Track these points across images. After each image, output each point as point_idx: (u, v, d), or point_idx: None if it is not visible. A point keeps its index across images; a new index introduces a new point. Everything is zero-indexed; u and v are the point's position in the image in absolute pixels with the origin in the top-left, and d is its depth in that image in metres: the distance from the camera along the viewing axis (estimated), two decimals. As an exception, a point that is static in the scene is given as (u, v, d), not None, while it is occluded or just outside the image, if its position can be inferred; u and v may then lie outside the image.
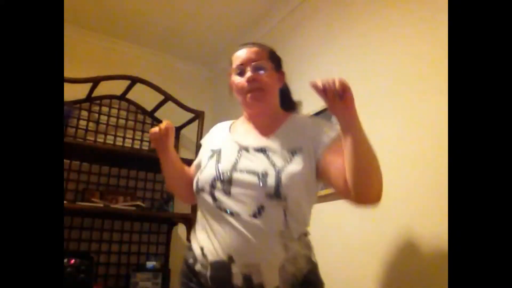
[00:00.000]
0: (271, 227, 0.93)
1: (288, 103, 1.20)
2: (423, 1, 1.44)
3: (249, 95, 1.06)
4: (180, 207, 2.46)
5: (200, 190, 1.03)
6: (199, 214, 1.07)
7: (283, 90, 1.18)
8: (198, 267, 0.99)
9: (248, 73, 1.06)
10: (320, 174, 1.01)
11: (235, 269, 0.90)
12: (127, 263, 2.33)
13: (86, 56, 2.58)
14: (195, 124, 2.52)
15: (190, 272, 1.02)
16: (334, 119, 1.01)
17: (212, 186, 0.99)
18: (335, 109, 0.90)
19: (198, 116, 2.49)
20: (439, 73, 1.30)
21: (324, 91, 0.87)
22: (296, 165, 0.97)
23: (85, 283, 1.87)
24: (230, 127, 1.18)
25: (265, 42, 1.29)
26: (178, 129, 2.71)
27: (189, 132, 2.68)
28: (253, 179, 0.96)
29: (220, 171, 1.01)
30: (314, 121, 1.12)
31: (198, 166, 1.15)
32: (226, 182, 0.98)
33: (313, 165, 1.00)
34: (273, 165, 0.98)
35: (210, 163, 1.06)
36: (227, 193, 0.97)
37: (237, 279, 0.90)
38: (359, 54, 1.69)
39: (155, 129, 1.15)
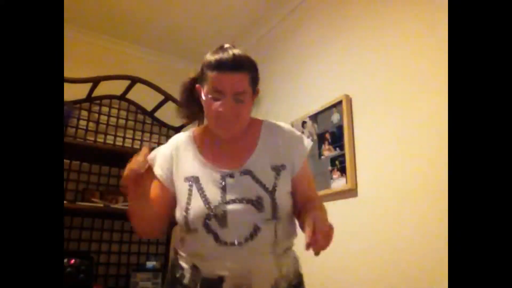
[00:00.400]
0: (263, 247, 0.93)
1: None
2: (423, 1, 1.44)
3: (222, 124, 0.98)
4: (180, 207, 2.46)
5: (193, 230, 0.95)
6: (186, 239, 0.99)
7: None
8: (186, 280, 0.97)
9: (227, 104, 0.95)
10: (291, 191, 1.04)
11: (226, 286, 0.91)
12: (127, 263, 2.33)
13: (86, 56, 2.59)
14: (194, 124, 2.51)
15: (178, 284, 0.99)
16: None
17: (206, 225, 0.93)
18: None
19: (198, 116, 2.49)
20: (439, 72, 1.30)
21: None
22: (284, 185, 0.98)
23: (85, 283, 1.87)
24: (195, 143, 1.06)
25: (265, 42, 1.28)
26: (178, 129, 2.72)
27: (189, 132, 2.68)
28: (249, 207, 0.94)
29: (211, 206, 0.94)
30: (288, 135, 1.07)
31: (170, 182, 1.03)
32: (221, 217, 0.93)
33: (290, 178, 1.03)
34: (264, 187, 0.96)
35: (194, 199, 0.96)
36: (223, 226, 0.92)
37: None
38: (358, 54, 1.69)
39: (135, 166, 1.00)
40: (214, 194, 0.96)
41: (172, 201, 1.02)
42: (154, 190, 1.04)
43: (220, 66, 0.94)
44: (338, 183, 1.60)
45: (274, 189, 0.96)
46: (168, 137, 2.70)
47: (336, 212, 1.62)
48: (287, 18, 2.29)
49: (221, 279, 0.91)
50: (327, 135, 1.72)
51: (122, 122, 2.57)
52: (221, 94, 0.95)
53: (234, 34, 2.61)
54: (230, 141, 1.03)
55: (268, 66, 2.33)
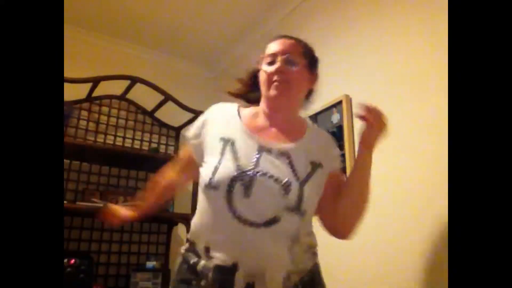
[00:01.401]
0: (281, 239, 0.88)
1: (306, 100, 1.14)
2: (423, 1, 1.44)
3: (273, 85, 0.98)
4: (180, 207, 2.46)
5: (213, 188, 0.91)
6: (203, 210, 0.96)
7: (309, 92, 1.11)
8: (200, 267, 0.92)
9: (278, 64, 0.99)
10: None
11: (239, 277, 0.86)
12: (127, 263, 2.33)
13: (86, 56, 2.58)
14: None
15: (191, 273, 0.94)
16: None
17: (230, 186, 0.89)
18: (369, 137, 0.99)
19: (198, 116, 2.49)
20: (439, 73, 1.30)
21: (371, 116, 0.93)
22: (316, 182, 0.95)
23: (85, 283, 1.87)
24: (239, 114, 1.05)
25: (265, 42, 1.29)
26: (178, 129, 2.72)
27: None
28: (276, 186, 0.89)
29: (241, 169, 0.90)
30: (331, 142, 1.10)
31: (199, 150, 1.03)
32: (247, 183, 0.89)
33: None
34: (296, 175, 0.92)
35: (225, 159, 0.93)
36: (246, 195, 0.88)
37: (239, 286, 0.86)
38: (359, 54, 1.69)
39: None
40: (246, 161, 0.92)
41: (192, 175, 1.10)
42: (183, 156, 1.16)
43: (276, 38, 1.07)
44: (338, 183, 1.60)
45: (305, 181, 0.93)
46: (168, 137, 2.70)
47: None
48: (287, 18, 2.28)
49: (235, 266, 0.86)
50: (327, 135, 1.72)
51: (122, 122, 2.57)
52: (273, 58, 1.01)
53: (234, 34, 2.61)
54: (276, 123, 1.02)
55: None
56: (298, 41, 1.07)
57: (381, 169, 1.46)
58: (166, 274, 2.16)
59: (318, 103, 1.83)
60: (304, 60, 1.03)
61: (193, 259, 0.95)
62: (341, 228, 1.00)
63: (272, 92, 0.99)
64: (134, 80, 2.36)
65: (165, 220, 2.46)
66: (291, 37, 1.07)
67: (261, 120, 1.03)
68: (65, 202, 2.02)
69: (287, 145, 0.97)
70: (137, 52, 2.80)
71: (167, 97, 2.44)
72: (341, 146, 1.63)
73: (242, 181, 0.89)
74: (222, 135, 0.99)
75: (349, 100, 1.67)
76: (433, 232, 1.21)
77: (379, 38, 1.60)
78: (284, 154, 0.95)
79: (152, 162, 2.39)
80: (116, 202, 2.27)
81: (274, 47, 1.03)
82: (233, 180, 0.90)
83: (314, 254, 1.00)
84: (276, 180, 0.90)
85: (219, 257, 0.89)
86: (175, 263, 1.03)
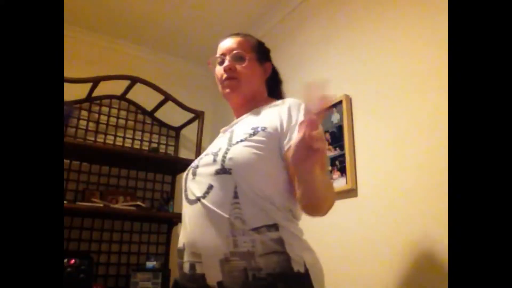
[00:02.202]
0: (216, 212, 0.84)
1: (278, 94, 1.17)
2: (423, 1, 1.44)
3: (224, 83, 1.06)
4: (180, 207, 2.46)
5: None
6: None
7: (272, 81, 1.15)
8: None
9: (226, 62, 1.05)
10: (288, 167, 0.90)
11: (185, 257, 0.90)
12: (127, 263, 2.33)
13: (86, 56, 2.59)
14: (195, 124, 2.52)
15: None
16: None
17: (187, 175, 1.00)
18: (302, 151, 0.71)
19: (198, 116, 2.49)
20: (440, 73, 1.30)
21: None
22: (254, 140, 0.90)
23: (85, 283, 1.87)
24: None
25: (265, 42, 1.29)
26: (178, 129, 2.72)
27: (189, 132, 2.68)
28: (210, 157, 0.94)
29: (198, 159, 1.02)
30: (287, 103, 0.98)
31: None
32: (194, 167, 0.98)
33: (276, 149, 0.91)
34: (229, 142, 0.93)
35: None
36: (193, 176, 0.96)
37: (186, 267, 0.89)
38: (359, 54, 1.69)
39: None
40: (207, 152, 1.02)
41: None
42: None
43: (223, 38, 1.12)
44: (338, 183, 1.60)
45: (236, 142, 0.91)
46: (168, 137, 2.70)
47: (336, 212, 1.62)
48: (287, 18, 2.28)
49: (183, 246, 0.91)
50: (327, 135, 1.72)
51: (122, 122, 2.57)
52: (223, 57, 1.07)
53: (234, 34, 2.61)
54: (240, 110, 1.08)
55: (268, 66, 2.33)
56: (245, 37, 1.12)
57: (381, 169, 1.46)
58: (166, 274, 2.16)
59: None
60: (252, 54, 1.07)
61: None
62: (313, 212, 0.88)
63: (225, 90, 1.06)
64: (134, 80, 2.36)
65: (165, 220, 2.46)
66: (238, 34, 1.11)
67: (235, 117, 1.11)
68: (65, 202, 2.02)
69: (236, 123, 1.05)
70: (137, 52, 2.80)
71: (167, 97, 2.44)
72: (341, 146, 1.63)
73: (193, 167, 0.99)
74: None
75: (349, 100, 1.67)
76: (434, 232, 1.21)
77: (379, 38, 1.60)
78: (230, 131, 1.01)
79: (152, 162, 2.40)
80: (116, 202, 2.27)
81: (222, 46, 1.10)
82: (188, 169, 1.01)
83: (279, 243, 0.82)
84: (212, 153, 0.95)
85: (180, 240, 0.95)
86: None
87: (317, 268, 0.87)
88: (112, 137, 2.50)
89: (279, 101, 1.03)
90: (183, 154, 2.70)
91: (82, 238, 2.24)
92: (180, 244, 0.94)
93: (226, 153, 0.91)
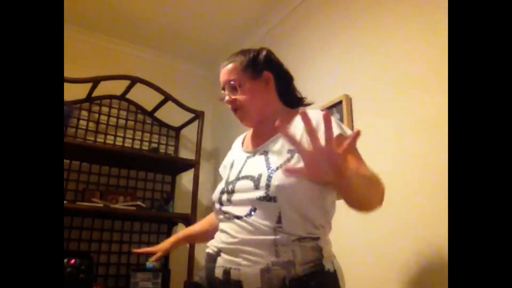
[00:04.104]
0: (262, 224, 0.89)
1: (290, 98, 1.14)
2: (423, 1, 1.44)
3: (234, 113, 1.09)
4: (180, 207, 2.46)
5: (212, 204, 1.07)
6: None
7: (281, 82, 1.11)
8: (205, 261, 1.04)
9: (226, 96, 1.08)
10: None
11: (219, 262, 0.92)
12: (127, 263, 2.33)
13: (86, 56, 2.59)
14: (195, 124, 2.52)
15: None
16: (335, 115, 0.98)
17: (220, 198, 1.02)
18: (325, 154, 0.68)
19: (198, 116, 2.49)
20: (439, 73, 1.30)
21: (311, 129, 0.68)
22: (293, 164, 0.91)
23: (85, 283, 1.87)
24: (243, 139, 1.20)
25: (265, 42, 1.29)
26: (178, 129, 2.72)
27: (189, 132, 2.68)
28: (249, 183, 0.95)
29: (228, 181, 1.03)
30: (315, 117, 0.94)
31: None
32: (230, 192, 1.00)
33: None
34: (268, 166, 0.94)
35: (223, 177, 1.11)
36: (230, 201, 0.98)
37: (219, 272, 0.91)
38: (359, 54, 1.69)
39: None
40: (236, 172, 1.04)
41: None
42: None
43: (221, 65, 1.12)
44: (338, 183, 1.60)
45: (277, 168, 0.92)
46: (168, 137, 2.70)
47: (336, 212, 1.62)
48: (287, 18, 2.29)
49: (218, 252, 0.94)
50: (327, 135, 1.72)
51: (122, 122, 2.58)
52: (224, 91, 1.10)
53: (234, 34, 2.61)
54: (259, 130, 1.10)
55: (268, 66, 2.33)
56: (234, 60, 1.07)
57: (381, 169, 1.46)
58: (166, 274, 2.16)
59: (318, 103, 1.83)
60: (244, 76, 1.06)
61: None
62: (365, 210, 0.89)
63: (238, 118, 1.10)
64: (134, 80, 2.36)
65: (165, 220, 2.46)
66: (229, 58, 1.10)
67: (253, 134, 1.14)
68: (65, 202, 2.02)
69: (266, 143, 1.04)
70: (137, 52, 2.80)
71: (167, 97, 2.44)
72: (341, 146, 1.63)
73: (227, 191, 1.00)
74: (226, 163, 1.17)
75: (349, 100, 1.67)
76: (433, 232, 1.21)
77: (379, 38, 1.60)
78: (263, 153, 1.01)
79: (152, 162, 2.40)
80: (116, 202, 2.27)
81: (220, 80, 1.11)
82: (221, 193, 1.02)
83: (314, 249, 0.89)
84: (251, 178, 0.96)
85: (210, 247, 0.99)
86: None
87: (341, 270, 0.96)
88: (112, 137, 2.50)
89: (298, 116, 1.01)
90: (183, 154, 2.70)
91: (82, 238, 2.24)
92: (213, 249, 0.97)
93: (269, 180, 0.90)
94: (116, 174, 2.46)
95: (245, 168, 1.01)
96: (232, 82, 1.05)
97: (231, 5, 2.34)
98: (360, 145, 1.56)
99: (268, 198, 0.89)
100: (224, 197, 1.01)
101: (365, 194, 0.83)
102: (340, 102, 1.69)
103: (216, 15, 2.44)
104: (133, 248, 2.37)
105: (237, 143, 1.22)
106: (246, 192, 0.95)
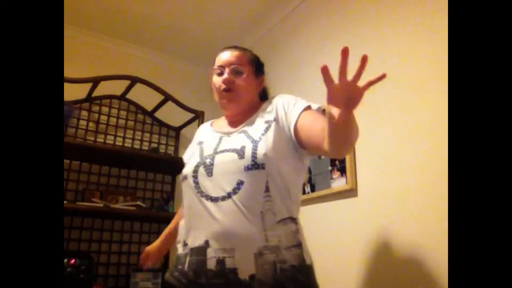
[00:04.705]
0: (249, 206, 0.90)
1: (263, 94, 1.25)
2: (423, 1, 1.44)
3: (222, 94, 1.11)
4: (179, 207, 2.46)
5: (183, 178, 1.05)
6: (184, 207, 1.07)
7: (262, 93, 1.23)
8: (178, 255, 1.02)
9: (225, 75, 1.10)
10: (300, 140, 0.98)
11: (210, 253, 0.90)
12: (127, 263, 2.33)
13: (86, 56, 2.58)
14: (195, 124, 2.52)
15: (176, 262, 1.03)
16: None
17: (195, 171, 1.01)
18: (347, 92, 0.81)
19: (198, 116, 2.49)
20: (439, 73, 1.30)
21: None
22: (272, 134, 0.99)
23: (85, 283, 1.87)
24: (211, 124, 1.25)
25: (265, 42, 1.31)
26: (178, 129, 2.72)
27: (189, 132, 2.68)
28: (232, 155, 0.98)
29: (203, 156, 1.04)
30: (282, 96, 1.12)
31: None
32: (208, 165, 1.00)
33: (290, 134, 0.99)
34: (251, 138, 1.01)
35: (194, 155, 1.10)
36: (209, 174, 0.98)
37: (211, 264, 0.89)
38: (358, 54, 1.69)
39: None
40: (208, 149, 1.06)
41: None
42: None
43: (221, 50, 1.16)
44: (338, 183, 1.60)
45: (259, 139, 0.99)
46: (168, 137, 2.70)
47: (336, 212, 1.62)
48: (287, 18, 2.28)
49: (207, 243, 0.92)
50: (327, 135, 1.72)
51: (122, 122, 2.57)
52: (222, 69, 1.12)
53: (234, 34, 2.61)
54: (235, 120, 1.13)
55: (267, 66, 2.32)
56: (244, 51, 1.16)
57: (381, 169, 1.46)
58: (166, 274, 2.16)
59: (318, 103, 1.83)
60: (250, 68, 1.13)
61: (176, 261, 1.03)
62: (341, 154, 1.05)
63: (222, 100, 1.12)
64: (134, 80, 2.36)
65: (165, 220, 2.45)
66: (236, 48, 1.16)
67: (225, 122, 1.18)
68: (65, 202, 2.02)
69: (243, 124, 1.09)
70: (137, 52, 2.80)
71: (167, 97, 2.44)
72: (341, 146, 1.63)
73: (204, 164, 1.01)
74: (197, 140, 1.18)
75: (349, 100, 1.67)
76: (434, 232, 1.21)
77: (379, 38, 1.60)
78: (242, 132, 1.06)
79: (152, 162, 2.39)
80: (116, 202, 2.27)
81: (222, 58, 1.14)
82: (196, 166, 1.02)
83: (295, 237, 0.94)
84: (233, 150, 0.99)
85: (193, 241, 0.95)
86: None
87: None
88: (112, 137, 2.50)
89: (267, 102, 1.14)
90: (183, 154, 2.70)
91: (82, 238, 2.24)
92: (199, 242, 0.93)
93: (254, 149, 0.95)
94: (116, 174, 2.45)
95: (222, 144, 1.05)
96: (237, 65, 1.11)
97: (231, 5, 2.34)
98: (360, 145, 1.57)
99: (256, 166, 0.93)
100: (202, 169, 1.00)
101: (354, 134, 0.86)
102: (340, 102, 1.69)
103: (216, 15, 2.44)
104: (133, 248, 2.38)
105: (203, 128, 1.25)
106: (229, 163, 0.97)
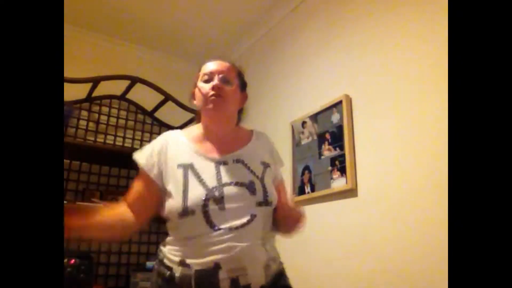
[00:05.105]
0: (256, 233, 0.96)
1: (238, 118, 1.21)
2: (423, 1, 1.44)
3: (210, 99, 1.06)
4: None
5: (189, 213, 0.95)
6: (180, 233, 1.01)
7: (240, 110, 1.19)
8: (178, 278, 0.94)
9: (216, 81, 1.08)
10: None
11: (222, 275, 0.90)
12: (127, 263, 2.33)
13: (86, 56, 2.59)
14: (195, 124, 2.52)
15: (168, 284, 0.96)
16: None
17: (205, 206, 0.95)
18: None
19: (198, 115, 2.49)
20: (439, 72, 1.30)
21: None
22: (269, 178, 1.06)
23: (85, 283, 1.87)
24: (186, 137, 1.11)
25: (265, 42, 1.31)
26: (178, 129, 2.72)
27: (189, 132, 2.68)
28: (243, 190, 0.99)
29: (209, 188, 0.97)
30: (272, 146, 1.19)
31: (160, 179, 1.05)
32: (219, 198, 0.96)
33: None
34: (255, 174, 1.03)
35: (191, 184, 0.98)
36: (222, 208, 0.95)
37: (224, 284, 0.90)
38: (359, 54, 1.69)
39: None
40: (210, 178, 1.00)
41: (156, 197, 1.07)
42: (137, 187, 1.10)
43: (209, 60, 1.15)
44: (338, 183, 1.60)
45: (263, 177, 1.04)
46: (168, 137, 2.70)
47: (336, 212, 1.62)
48: (287, 18, 2.29)
49: (217, 266, 0.91)
50: (327, 135, 1.72)
51: (122, 122, 2.58)
52: (211, 76, 1.10)
53: (234, 34, 2.61)
54: (221, 136, 1.11)
55: (268, 66, 2.33)
56: (233, 64, 1.16)
57: (381, 169, 1.46)
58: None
59: (318, 103, 1.84)
60: (237, 81, 1.13)
61: (167, 272, 0.98)
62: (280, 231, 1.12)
63: (210, 105, 1.07)
64: (134, 80, 2.36)
65: (165, 220, 2.46)
66: (225, 60, 1.16)
67: (208, 139, 1.11)
68: (65, 202, 2.02)
69: (237, 152, 1.08)
70: (137, 52, 2.80)
71: (167, 97, 2.44)
72: (341, 146, 1.63)
73: (214, 197, 0.96)
74: (179, 162, 1.03)
75: (349, 100, 1.67)
76: (434, 232, 1.21)
77: (379, 38, 1.60)
78: (238, 161, 1.06)
79: (152, 162, 2.39)
80: (116, 202, 2.27)
81: (211, 66, 1.13)
82: (205, 200, 0.96)
83: (275, 248, 1.07)
84: (241, 184, 1.00)
85: (198, 263, 0.93)
86: (152, 279, 1.05)
87: None
88: (112, 137, 2.50)
89: (255, 135, 1.18)
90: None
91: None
92: (208, 264, 0.91)
93: (264, 186, 1.02)
94: (116, 174, 2.46)
95: (224, 174, 1.01)
96: (227, 75, 1.10)
97: (231, 5, 2.34)
98: (360, 145, 1.57)
99: (266, 203, 1.00)
100: (212, 204, 0.95)
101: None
102: (340, 102, 1.69)
103: (216, 15, 2.44)
104: (133, 248, 2.38)
105: (181, 145, 1.09)
106: (241, 199, 0.98)
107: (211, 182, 0.99)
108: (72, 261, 1.87)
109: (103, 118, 2.51)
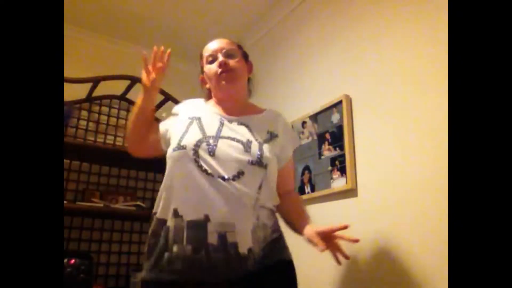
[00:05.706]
0: (246, 192, 0.97)
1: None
2: (423, 1, 1.44)
3: (221, 76, 1.11)
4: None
5: (181, 147, 1.01)
6: (171, 174, 1.02)
7: (248, 80, 1.26)
8: (172, 230, 0.95)
9: (220, 58, 1.13)
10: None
11: (211, 228, 0.91)
12: (127, 263, 2.33)
13: (86, 56, 2.58)
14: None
15: (162, 240, 0.97)
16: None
17: (197, 146, 1.00)
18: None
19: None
20: (439, 73, 1.30)
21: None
22: (273, 147, 1.07)
23: (85, 283, 1.87)
24: (205, 101, 1.23)
25: (265, 42, 1.32)
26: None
27: (189, 132, 2.68)
28: (238, 145, 1.02)
29: (206, 134, 1.04)
30: (287, 125, 1.22)
31: (166, 132, 1.16)
32: (212, 145, 1.01)
33: (278, 162, 1.12)
34: (255, 137, 1.06)
35: (192, 128, 1.06)
36: (211, 153, 0.99)
37: (212, 238, 0.91)
38: (358, 54, 1.69)
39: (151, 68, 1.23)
40: (211, 129, 1.06)
41: (157, 145, 1.19)
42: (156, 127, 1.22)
43: (207, 43, 1.22)
44: (338, 183, 1.60)
45: (263, 142, 1.07)
46: (168, 137, 2.70)
47: (336, 212, 1.61)
48: (287, 18, 2.28)
49: (206, 218, 0.92)
50: (327, 135, 1.72)
51: (122, 122, 2.57)
52: (214, 56, 1.15)
53: (234, 34, 2.61)
54: (234, 106, 1.15)
55: (268, 66, 2.33)
56: (230, 39, 1.24)
57: (381, 169, 1.46)
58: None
59: (318, 103, 1.84)
60: (240, 53, 1.20)
61: (163, 230, 0.98)
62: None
63: (221, 82, 1.12)
64: (134, 80, 2.36)
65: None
66: (223, 38, 1.23)
67: (222, 106, 1.17)
68: (65, 202, 2.02)
69: (245, 117, 1.13)
70: (137, 52, 2.80)
71: (167, 97, 2.44)
72: (341, 146, 1.63)
73: (207, 142, 1.01)
74: (190, 115, 1.13)
75: (349, 100, 1.67)
76: (434, 232, 1.21)
77: (379, 38, 1.60)
78: (243, 124, 1.10)
79: (152, 162, 2.39)
80: (116, 202, 2.27)
81: (212, 46, 1.20)
82: (198, 141, 1.02)
83: (274, 218, 1.09)
84: (238, 140, 1.03)
85: (190, 213, 0.94)
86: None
87: None
88: (112, 137, 2.50)
89: (269, 111, 1.22)
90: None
91: (82, 238, 2.23)
92: (197, 215, 0.92)
93: (260, 149, 1.02)
94: (116, 174, 2.45)
95: (225, 130, 1.07)
96: (229, 49, 1.16)
97: (231, 5, 2.34)
98: (360, 145, 1.57)
99: (260, 164, 1.01)
100: (204, 146, 1.00)
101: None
102: (340, 102, 1.69)
103: (216, 15, 2.44)
104: (133, 248, 2.38)
105: (194, 103, 1.22)
106: (233, 151, 1.00)
107: (211, 131, 1.05)
108: (72, 261, 1.87)
109: (103, 118, 2.51)
